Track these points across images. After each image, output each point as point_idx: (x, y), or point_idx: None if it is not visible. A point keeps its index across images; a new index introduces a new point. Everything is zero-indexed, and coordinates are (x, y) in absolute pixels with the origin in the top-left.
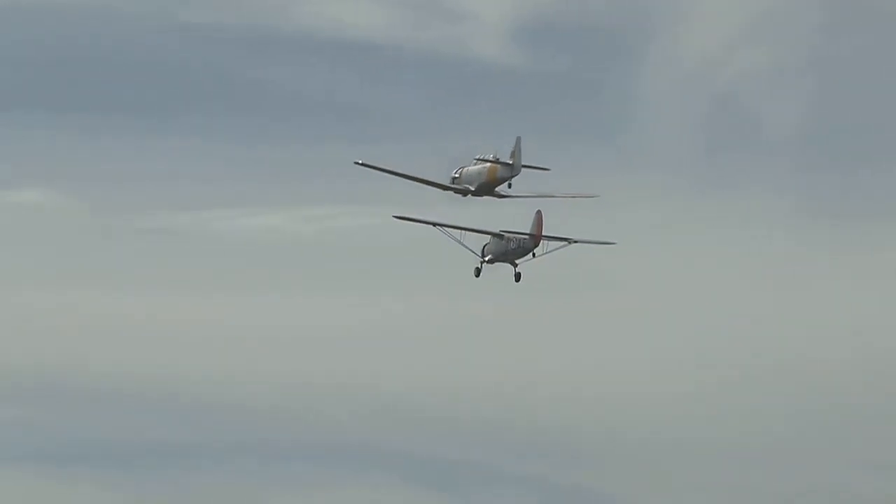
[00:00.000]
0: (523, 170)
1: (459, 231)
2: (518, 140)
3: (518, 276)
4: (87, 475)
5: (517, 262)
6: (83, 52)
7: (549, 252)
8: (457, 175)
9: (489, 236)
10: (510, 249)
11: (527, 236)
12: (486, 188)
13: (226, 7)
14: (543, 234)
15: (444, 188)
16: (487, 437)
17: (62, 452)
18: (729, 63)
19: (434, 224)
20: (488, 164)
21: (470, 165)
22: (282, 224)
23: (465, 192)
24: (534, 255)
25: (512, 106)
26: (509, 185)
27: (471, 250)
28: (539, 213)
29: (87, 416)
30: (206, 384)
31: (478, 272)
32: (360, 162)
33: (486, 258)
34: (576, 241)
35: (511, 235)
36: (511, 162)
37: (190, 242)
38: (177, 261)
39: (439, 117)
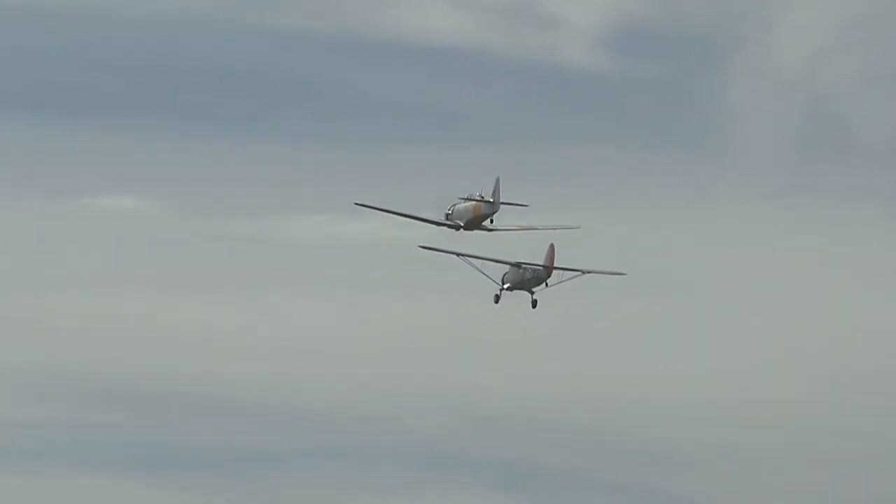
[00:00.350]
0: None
1: (480, 261)
2: (497, 180)
3: (534, 303)
4: (180, 481)
5: (533, 290)
6: (173, 60)
7: (563, 282)
8: (449, 212)
9: (508, 266)
10: (526, 279)
11: (541, 267)
12: (474, 223)
13: (319, 14)
14: (555, 265)
15: (439, 224)
16: (569, 443)
17: (156, 458)
18: (820, 69)
19: (458, 254)
20: (474, 203)
21: (459, 203)
22: (371, 230)
23: (457, 227)
24: (546, 284)
25: (601, 113)
26: (491, 221)
27: (491, 279)
28: (552, 246)
29: (179, 422)
30: (294, 390)
31: (497, 299)
32: (360, 203)
33: (505, 286)
34: (588, 272)
35: (527, 266)
36: (492, 200)
37: (278, 248)
38: (266, 266)
39: (528, 124)
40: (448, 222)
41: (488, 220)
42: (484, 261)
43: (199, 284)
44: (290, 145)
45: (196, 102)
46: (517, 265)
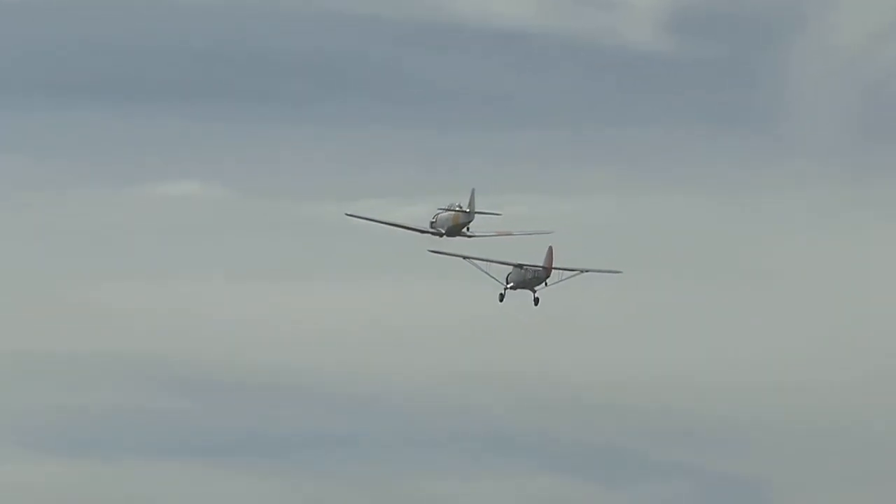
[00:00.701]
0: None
1: (486, 262)
2: (472, 191)
3: (536, 301)
4: (247, 466)
5: (535, 289)
6: (237, 45)
7: (563, 280)
8: (433, 220)
9: (511, 267)
10: (528, 279)
11: (541, 268)
12: (454, 231)
13: None
14: (554, 265)
15: (423, 231)
16: (639, 426)
17: (224, 444)
18: (882, 48)
19: (464, 257)
20: (453, 213)
21: (441, 213)
22: (430, 213)
23: (440, 234)
24: (546, 283)
25: (663, 94)
26: (468, 229)
27: (495, 279)
28: (550, 248)
29: (246, 408)
30: (359, 375)
31: (501, 297)
32: (350, 214)
33: (509, 285)
34: (587, 271)
35: (528, 267)
36: (468, 210)
37: (339, 232)
38: (330, 249)
39: (590, 105)
40: (432, 230)
41: (465, 227)
42: (489, 262)
43: (264, 269)
44: (352, 129)
45: (259, 87)
46: (520, 266)
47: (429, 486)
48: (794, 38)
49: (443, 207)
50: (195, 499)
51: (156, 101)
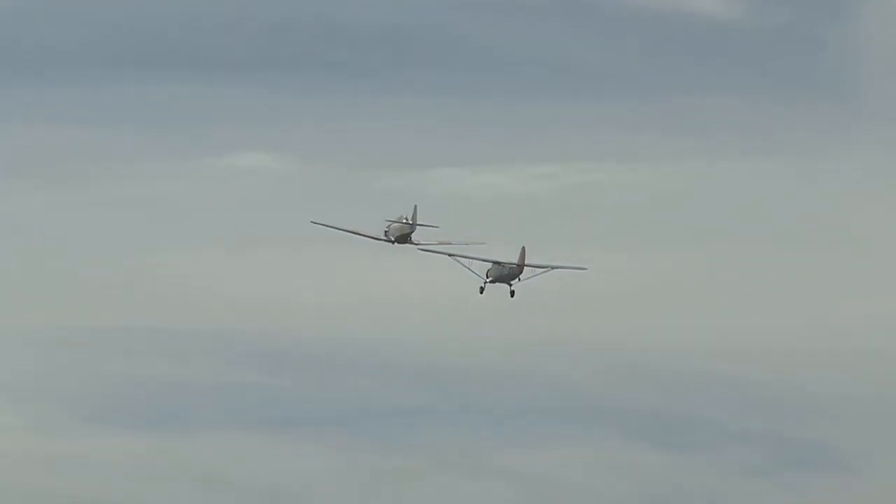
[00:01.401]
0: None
1: (469, 259)
2: (415, 207)
3: (512, 293)
4: (319, 438)
5: (511, 283)
6: (305, 16)
7: (534, 276)
8: (386, 229)
9: (490, 264)
10: (504, 274)
11: (515, 265)
12: (402, 239)
13: None
14: (526, 263)
15: (377, 239)
16: (713, 393)
17: (294, 417)
18: None
19: (450, 255)
20: (400, 224)
21: (393, 223)
22: (506, 182)
23: (392, 242)
24: (519, 279)
25: (733, 61)
26: (411, 239)
27: (476, 274)
28: (523, 248)
29: (318, 379)
30: (433, 346)
31: (482, 290)
32: (315, 221)
33: (489, 279)
34: (555, 268)
35: (505, 264)
36: (411, 223)
37: (414, 202)
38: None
39: (659, 74)
40: (385, 238)
41: (409, 237)
42: (472, 260)
43: (335, 240)
44: (423, 99)
45: (331, 58)
46: (498, 263)
47: (497, 456)
48: (865, 3)
49: (391, 219)
50: (266, 470)
51: (226, 72)
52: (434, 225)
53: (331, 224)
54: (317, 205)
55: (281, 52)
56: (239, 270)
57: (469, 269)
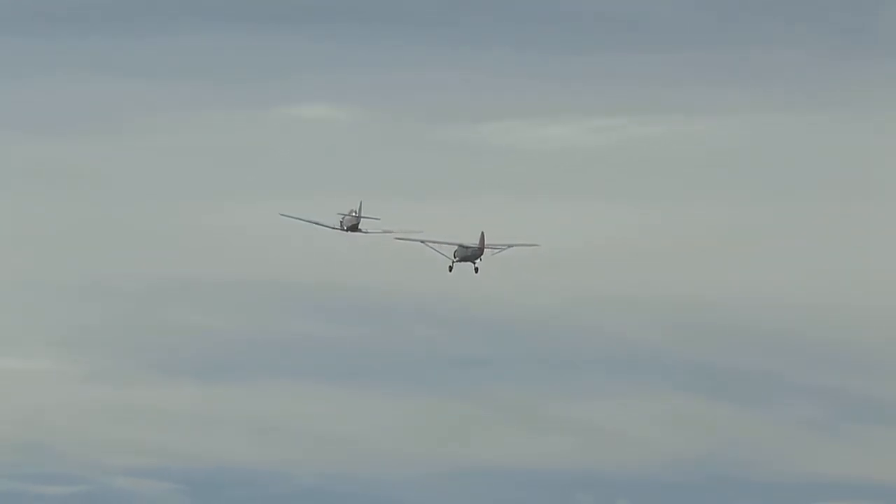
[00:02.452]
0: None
1: (438, 244)
2: (360, 203)
3: (476, 270)
4: (385, 389)
5: (474, 262)
6: None
7: (494, 254)
8: (342, 221)
9: (456, 246)
10: (468, 254)
11: (476, 247)
12: (352, 229)
13: None
14: (486, 245)
15: (334, 228)
16: (773, 346)
17: (364, 368)
18: None
19: (422, 241)
20: (350, 216)
21: (345, 216)
22: (567, 135)
23: (345, 230)
24: (480, 259)
25: (792, 14)
26: (360, 229)
27: (444, 255)
28: (482, 233)
29: (384, 330)
30: (495, 297)
31: (450, 269)
32: (284, 214)
33: (456, 259)
34: (511, 246)
35: (468, 245)
36: (357, 216)
37: (479, 153)
38: (464, 172)
39: (719, 26)
40: (340, 228)
41: (357, 227)
42: (441, 244)
43: (397, 191)
44: (485, 51)
45: (393, 9)
46: (462, 245)
47: (556, 408)
48: None
49: (343, 213)
50: (326, 421)
51: (289, 22)
52: (376, 217)
53: (298, 216)
54: (378, 156)
55: (345, 2)
56: (298, 222)
57: (439, 252)
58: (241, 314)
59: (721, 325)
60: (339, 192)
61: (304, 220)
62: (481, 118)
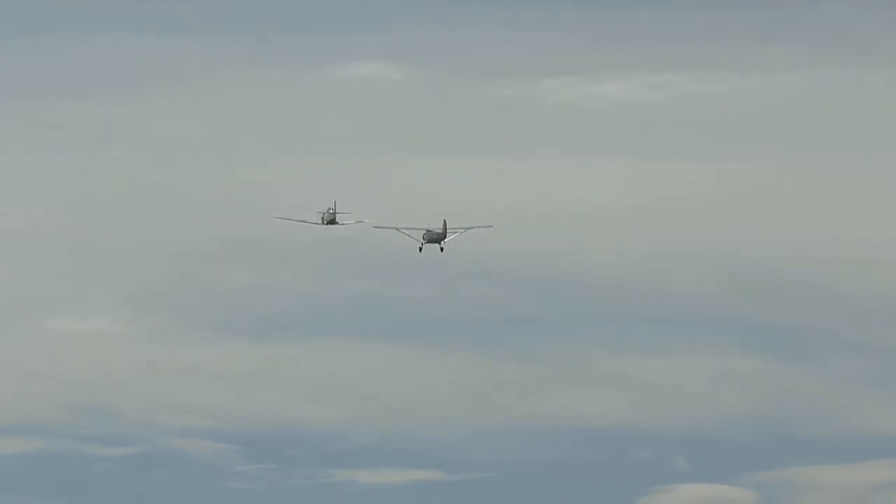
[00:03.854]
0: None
1: (409, 230)
2: (335, 202)
3: (442, 249)
4: (440, 347)
5: (440, 243)
6: None
7: (457, 235)
8: (322, 216)
9: (424, 230)
10: (433, 238)
11: (440, 231)
12: (332, 223)
13: None
14: (448, 228)
15: (315, 223)
16: (830, 303)
17: (419, 327)
18: None
19: (397, 229)
20: (328, 213)
21: (324, 213)
22: (621, 91)
23: (325, 224)
24: (444, 240)
25: None
26: (336, 222)
27: (414, 239)
28: (444, 220)
29: (434, 290)
30: (550, 254)
31: (420, 249)
32: (279, 217)
33: (424, 241)
34: (467, 229)
35: (433, 230)
36: (333, 212)
37: (531, 110)
38: (519, 129)
39: None
40: (321, 222)
41: (333, 222)
42: (412, 230)
43: (453, 149)
44: (540, 8)
45: None
46: (428, 230)
47: (620, 365)
48: None
49: (322, 211)
50: (392, 380)
51: None
52: (348, 212)
53: (289, 217)
54: (434, 114)
55: None
56: (356, 179)
57: (410, 236)
58: (298, 274)
59: (776, 281)
60: (395, 150)
61: (294, 220)
62: (537, 75)
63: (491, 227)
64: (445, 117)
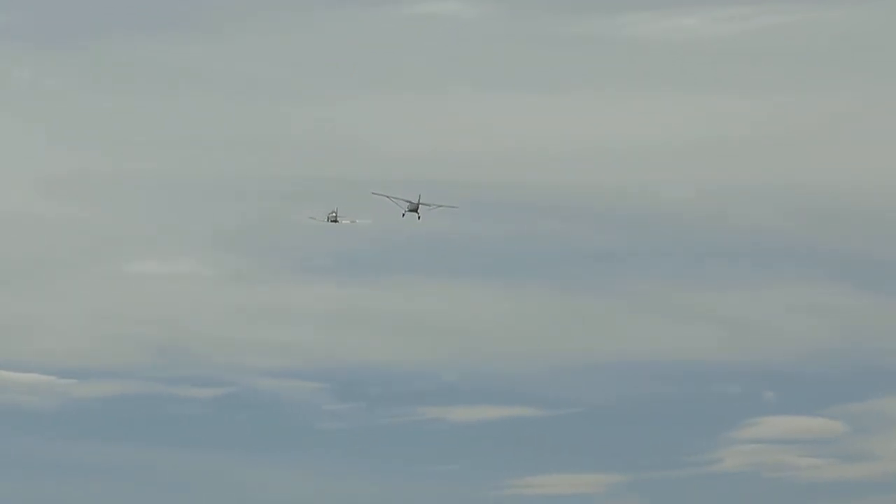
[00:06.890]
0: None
1: (398, 200)
2: (336, 208)
3: (419, 217)
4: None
5: (417, 213)
6: None
7: (433, 209)
8: (328, 216)
9: (407, 202)
10: (412, 208)
11: (416, 203)
12: (334, 221)
13: None
14: (420, 203)
15: (323, 221)
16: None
17: (486, 264)
18: None
19: (388, 196)
20: (332, 212)
21: (331, 213)
22: (696, 25)
23: (329, 221)
24: (419, 211)
25: None
26: (336, 220)
27: (401, 207)
28: (419, 195)
29: (512, 227)
30: (621, 191)
31: (403, 216)
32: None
33: (406, 210)
34: (440, 206)
35: (412, 202)
36: (336, 214)
37: (607, 46)
38: (595, 65)
39: None
40: (327, 220)
41: (335, 219)
42: (398, 200)
43: (529, 85)
44: None
45: None
46: (408, 201)
47: (699, 297)
48: None
49: (327, 212)
50: (476, 317)
51: None
52: (335, 209)
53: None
54: (507, 50)
55: None
56: (432, 119)
57: (398, 205)
58: (377, 214)
59: (863, 214)
60: (467, 87)
61: (316, 220)
62: (609, 10)
63: (456, 207)
64: (521, 54)
